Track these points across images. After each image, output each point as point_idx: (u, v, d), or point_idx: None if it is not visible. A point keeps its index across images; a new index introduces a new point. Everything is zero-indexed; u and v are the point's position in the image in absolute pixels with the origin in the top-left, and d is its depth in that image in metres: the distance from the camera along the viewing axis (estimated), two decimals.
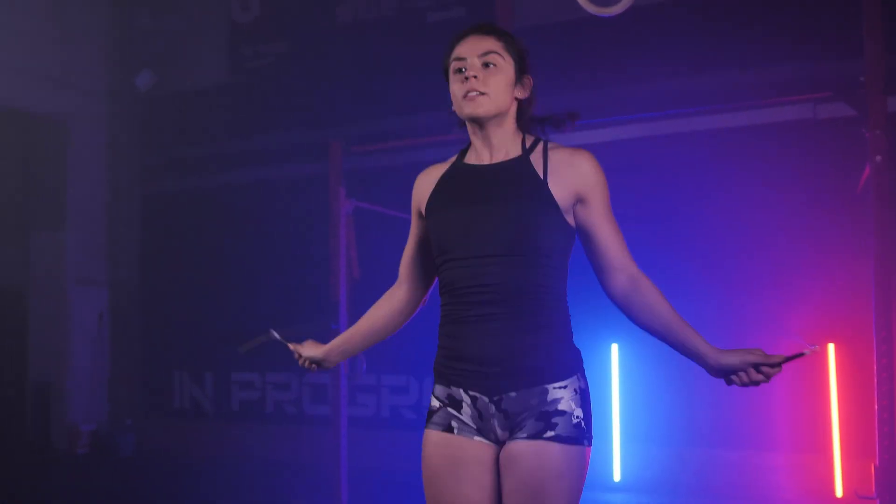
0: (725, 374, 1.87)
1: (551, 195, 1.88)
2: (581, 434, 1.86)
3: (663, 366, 5.50)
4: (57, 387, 7.94)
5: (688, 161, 5.79)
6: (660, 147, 5.87)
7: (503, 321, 1.85)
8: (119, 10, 8.38)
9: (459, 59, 1.94)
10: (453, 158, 2.06)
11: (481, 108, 1.91)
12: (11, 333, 8.12)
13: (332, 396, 5.16)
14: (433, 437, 1.93)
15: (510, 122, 1.98)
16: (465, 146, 2.06)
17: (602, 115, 5.35)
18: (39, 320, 8.11)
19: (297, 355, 2.25)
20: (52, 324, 8.01)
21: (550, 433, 1.83)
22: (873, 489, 3.90)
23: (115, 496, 6.20)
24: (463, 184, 1.97)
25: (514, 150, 1.96)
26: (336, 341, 2.23)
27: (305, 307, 7.03)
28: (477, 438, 1.90)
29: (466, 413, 1.90)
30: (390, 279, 2.23)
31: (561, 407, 1.84)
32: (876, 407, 3.87)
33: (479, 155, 1.99)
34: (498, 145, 1.97)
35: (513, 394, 1.85)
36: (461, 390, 1.90)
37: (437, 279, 2.02)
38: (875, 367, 3.89)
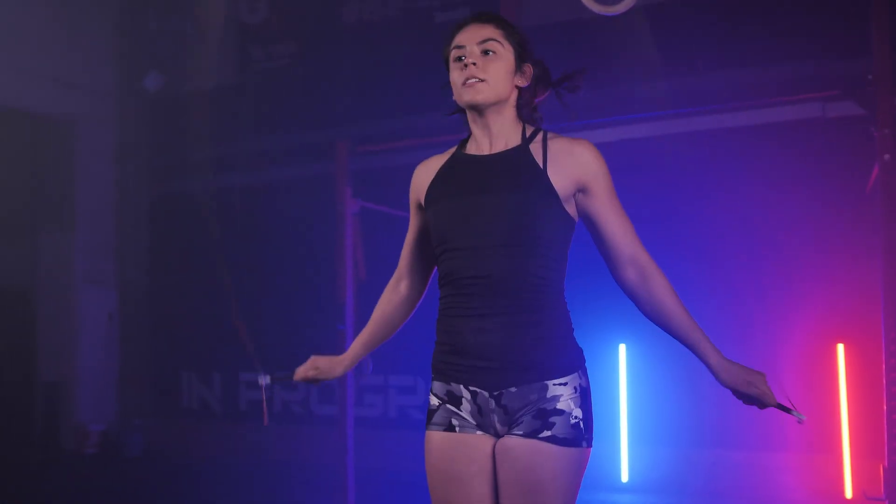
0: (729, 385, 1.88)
1: (551, 184, 1.87)
2: (579, 435, 1.84)
3: (671, 366, 5.49)
4: (65, 387, 7.97)
5: (694, 161, 5.77)
6: (666, 146, 5.85)
7: (503, 315, 1.84)
8: (127, 12, 8.41)
9: (459, 47, 1.94)
10: (453, 149, 2.05)
11: (480, 94, 1.91)
12: (20, 334, 8.16)
13: (339, 396, 5.16)
14: (436, 439, 1.92)
15: (510, 110, 1.97)
16: (466, 137, 2.05)
17: (605, 114, 5.33)
18: (48, 321, 8.14)
19: (309, 377, 2.18)
20: (61, 324, 8.05)
21: (547, 433, 1.81)
22: (882, 490, 3.88)
23: (124, 496, 6.22)
24: (462, 174, 1.96)
25: (513, 140, 1.96)
26: (357, 349, 2.19)
27: (312, 307, 7.05)
28: (478, 433, 1.89)
29: (466, 409, 1.89)
30: None
31: (560, 406, 1.83)
32: (885, 407, 3.85)
33: (479, 145, 1.98)
34: (497, 134, 1.96)
35: (513, 389, 1.84)
36: (461, 386, 1.89)
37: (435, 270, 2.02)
38: (884, 367, 3.87)
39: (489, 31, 1.94)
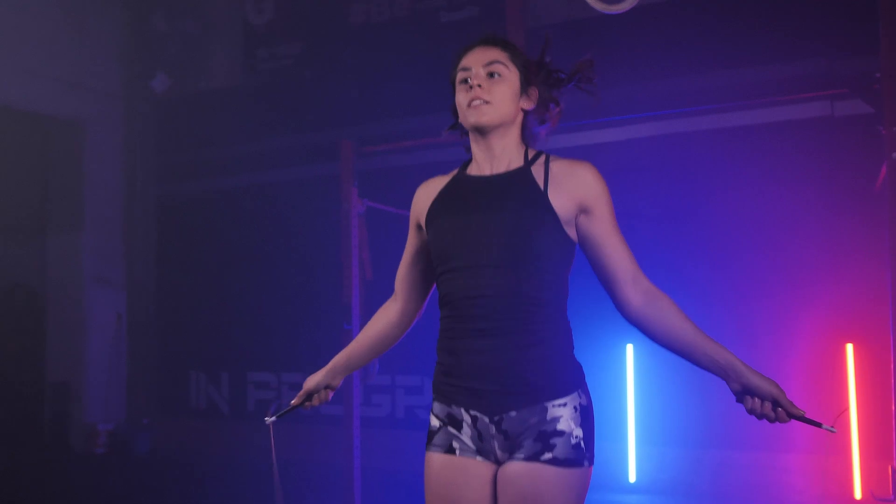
0: (745, 391, 1.81)
1: (550, 205, 1.85)
2: (580, 455, 1.82)
3: (679, 367, 5.42)
4: (74, 387, 8.00)
5: (700, 160, 5.74)
6: (672, 145, 5.82)
7: (500, 336, 1.82)
8: (134, 13, 8.43)
9: (465, 69, 1.95)
10: (455, 171, 2.05)
11: (485, 116, 1.90)
12: (29, 334, 8.19)
13: (346, 396, 5.16)
14: (435, 461, 1.92)
15: (514, 133, 1.97)
16: (468, 159, 2.04)
17: (609, 113, 5.31)
18: (57, 321, 8.18)
19: (306, 401, 2.22)
20: (70, 325, 8.08)
21: (548, 455, 1.80)
22: (891, 491, 3.86)
23: (133, 495, 6.24)
24: (463, 194, 1.96)
25: (515, 162, 1.95)
26: (338, 359, 2.22)
27: (317, 307, 7.05)
28: (478, 458, 1.89)
29: (467, 434, 1.89)
30: None
31: (560, 427, 1.81)
32: (894, 408, 3.82)
33: (481, 166, 1.98)
34: (500, 156, 1.96)
35: (513, 413, 1.82)
36: (461, 409, 1.89)
37: (433, 291, 2.02)
38: (893, 367, 3.84)
39: (495, 53, 1.94)
